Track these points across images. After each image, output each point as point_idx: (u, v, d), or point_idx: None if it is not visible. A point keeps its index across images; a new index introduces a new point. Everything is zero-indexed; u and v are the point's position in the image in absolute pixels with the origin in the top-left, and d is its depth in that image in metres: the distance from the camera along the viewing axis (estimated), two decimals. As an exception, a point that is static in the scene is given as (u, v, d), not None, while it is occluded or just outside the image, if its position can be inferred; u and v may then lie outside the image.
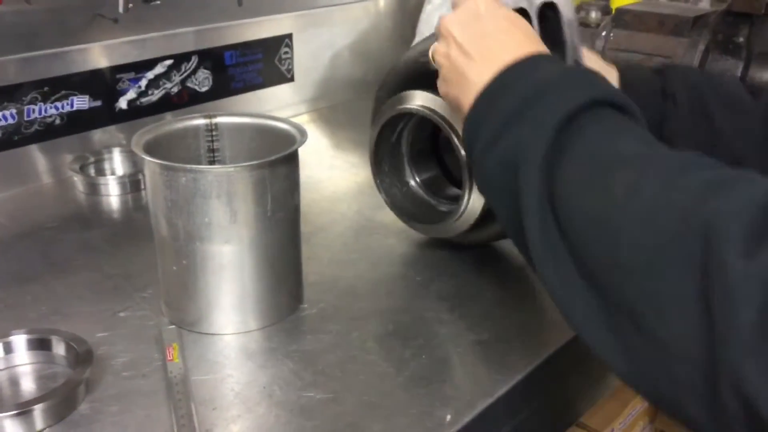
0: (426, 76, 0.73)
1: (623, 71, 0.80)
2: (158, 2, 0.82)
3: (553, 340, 0.72)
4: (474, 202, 0.78)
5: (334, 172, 1.10)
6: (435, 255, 0.87)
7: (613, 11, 1.54)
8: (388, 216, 0.93)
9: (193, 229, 0.68)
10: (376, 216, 0.95)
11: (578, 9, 1.66)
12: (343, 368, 0.67)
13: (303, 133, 0.73)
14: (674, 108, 0.77)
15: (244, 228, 0.68)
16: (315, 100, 1.38)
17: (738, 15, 0.87)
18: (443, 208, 0.88)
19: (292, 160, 0.71)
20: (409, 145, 0.88)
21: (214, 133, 0.78)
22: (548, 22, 0.78)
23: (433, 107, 0.78)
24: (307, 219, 0.95)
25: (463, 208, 0.79)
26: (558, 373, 0.72)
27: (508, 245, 0.90)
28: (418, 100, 0.79)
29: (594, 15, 1.64)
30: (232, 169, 0.67)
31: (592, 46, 1.00)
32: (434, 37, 0.67)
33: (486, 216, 0.79)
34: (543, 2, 0.76)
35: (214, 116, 0.78)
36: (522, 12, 0.75)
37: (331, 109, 1.40)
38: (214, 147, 0.78)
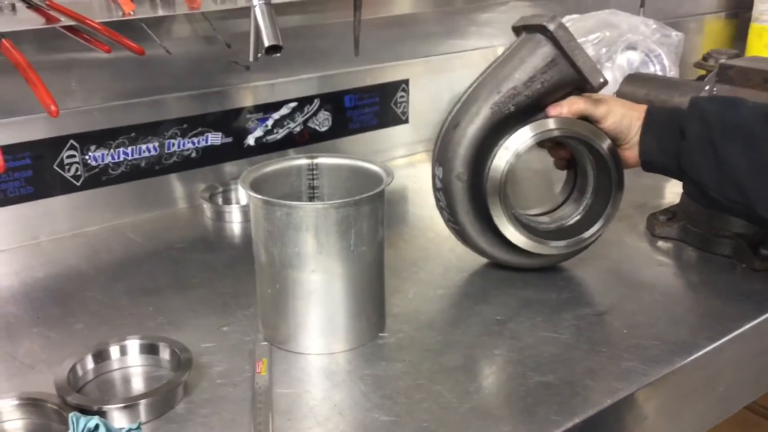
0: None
1: (649, 113, 0.90)
2: (278, 55, 0.92)
3: (621, 389, 0.73)
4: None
5: (435, 211, 1.15)
6: (517, 295, 0.90)
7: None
8: (479, 256, 0.98)
9: (285, 257, 0.76)
10: (468, 256, 0.99)
11: (706, 57, 1.63)
12: (409, 395, 0.72)
13: (389, 175, 0.79)
14: (685, 142, 0.85)
15: (329, 259, 0.76)
16: (431, 140, 1.44)
17: None
18: None
19: (376, 199, 0.77)
20: None
21: (315, 172, 0.87)
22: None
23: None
24: (401, 254, 1.02)
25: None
26: (621, 423, 0.74)
27: (590, 292, 0.93)
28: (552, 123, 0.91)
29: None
30: (320, 206, 0.75)
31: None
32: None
33: None
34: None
35: (316, 157, 0.86)
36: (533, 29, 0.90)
37: (447, 149, 1.46)
38: (314, 184, 0.87)
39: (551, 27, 0.87)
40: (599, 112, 0.90)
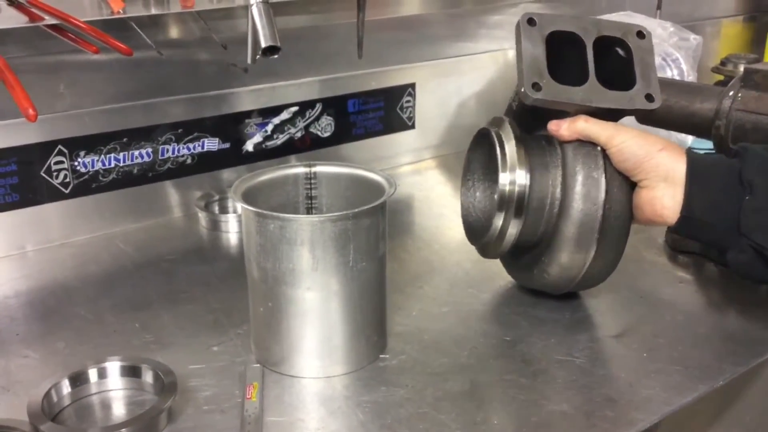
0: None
1: (693, 158, 0.74)
2: (276, 56, 0.87)
3: (642, 420, 0.68)
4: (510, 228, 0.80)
5: (441, 221, 1.11)
6: (528, 314, 0.85)
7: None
8: (487, 270, 0.93)
9: (279, 273, 0.71)
10: (475, 270, 0.94)
11: (724, 62, 1.57)
12: (411, 425, 0.67)
13: (392, 185, 0.74)
14: (752, 197, 0.70)
15: (326, 276, 0.70)
16: (438, 146, 1.40)
17: None
18: None
19: (377, 212, 0.72)
20: None
21: (312, 181, 0.81)
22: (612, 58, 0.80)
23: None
24: (405, 267, 0.97)
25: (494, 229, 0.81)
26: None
27: (606, 311, 0.87)
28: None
29: (742, 69, 1.54)
30: (316, 219, 0.70)
31: (717, 106, 0.94)
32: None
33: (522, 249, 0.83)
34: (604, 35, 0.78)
35: (314, 165, 0.81)
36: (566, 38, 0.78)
37: (455, 156, 1.40)
38: (312, 194, 0.82)
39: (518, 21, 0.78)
40: (603, 134, 0.76)
